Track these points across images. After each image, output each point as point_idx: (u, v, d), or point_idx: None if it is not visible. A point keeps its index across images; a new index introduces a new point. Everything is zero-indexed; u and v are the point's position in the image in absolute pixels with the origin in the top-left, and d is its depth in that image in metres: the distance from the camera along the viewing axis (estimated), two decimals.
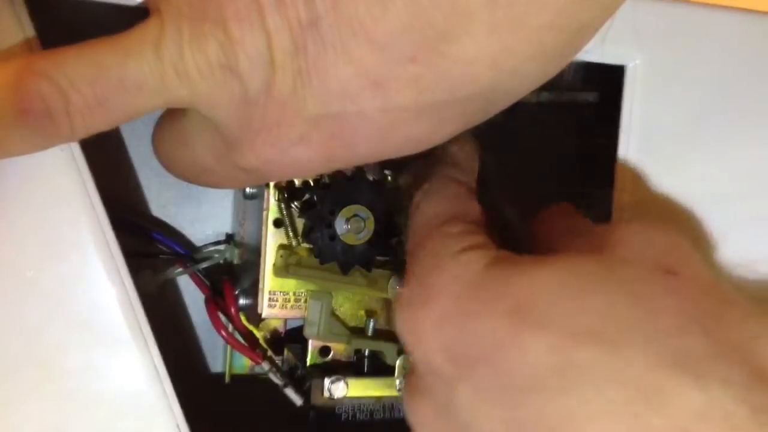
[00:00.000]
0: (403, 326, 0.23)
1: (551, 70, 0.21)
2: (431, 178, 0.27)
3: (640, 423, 0.18)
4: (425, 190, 0.26)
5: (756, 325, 0.20)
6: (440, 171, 0.27)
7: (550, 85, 0.22)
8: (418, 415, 0.24)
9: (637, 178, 0.31)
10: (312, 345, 0.32)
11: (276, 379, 0.33)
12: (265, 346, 0.34)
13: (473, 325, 0.21)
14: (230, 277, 0.35)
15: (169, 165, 0.25)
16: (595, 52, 0.30)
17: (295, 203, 0.31)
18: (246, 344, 0.34)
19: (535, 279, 0.21)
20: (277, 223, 0.31)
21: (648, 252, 0.22)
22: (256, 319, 0.33)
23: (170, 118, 0.24)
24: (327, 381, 0.31)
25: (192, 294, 0.38)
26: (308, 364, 0.32)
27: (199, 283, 0.36)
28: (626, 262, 0.22)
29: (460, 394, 0.21)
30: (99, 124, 0.21)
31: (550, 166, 0.42)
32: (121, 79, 0.20)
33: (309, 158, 0.21)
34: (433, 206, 0.25)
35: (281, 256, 0.31)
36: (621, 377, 0.19)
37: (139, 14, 0.21)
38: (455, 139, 0.24)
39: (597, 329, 0.19)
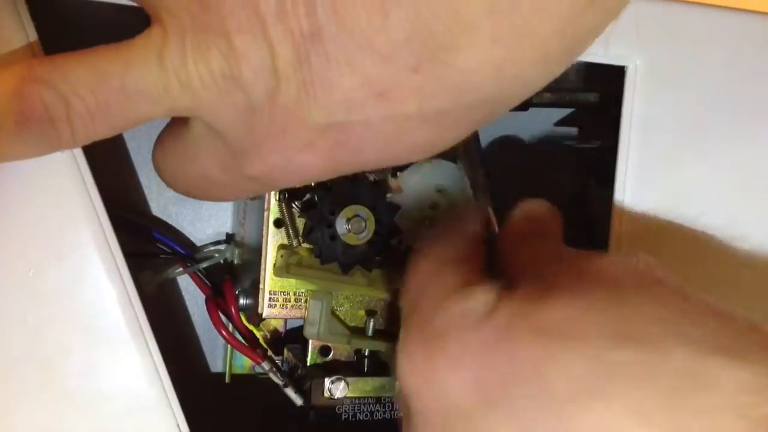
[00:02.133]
0: (411, 373, 0.23)
1: (554, 74, 0.21)
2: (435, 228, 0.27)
3: (690, 405, 0.19)
4: (427, 236, 0.27)
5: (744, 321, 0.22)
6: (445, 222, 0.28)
7: (552, 86, 0.22)
8: None
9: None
10: (312, 345, 0.32)
11: (276, 379, 0.33)
12: (265, 346, 0.34)
13: (499, 354, 0.21)
14: (230, 276, 0.35)
15: (173, 181, 0.24)
16: (597, 53, 0.30)
17: (296, 203, 0.31)
18: (246, 344, 0.34)
19: (550, 305, 0.22)
20: (278, 223, 0.31)
21: (629, 274, 0.23)
22: (257, 319, 0.33)
23: (172, 133, 0.24)
24: (327, 381, 0.31)
25: (192, 294, 0.38)
26: (308, 364, 0.32)
27: (200, 283, 0.36)
28: (619, 281, 0.23)
29: (491, 423, 0.21)
30: (100, 131, 0.21)
31: (549, 167, 0.42)
32: (123, 86, 0.20)
33: (315, 165, 0.21)
34: (436, 251, 0.26)
35: (282, 256, 0.31)
36: (663, 369, 0.19)
37: (140, 14, 0.21)
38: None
39: (624, 332, 0.20)
